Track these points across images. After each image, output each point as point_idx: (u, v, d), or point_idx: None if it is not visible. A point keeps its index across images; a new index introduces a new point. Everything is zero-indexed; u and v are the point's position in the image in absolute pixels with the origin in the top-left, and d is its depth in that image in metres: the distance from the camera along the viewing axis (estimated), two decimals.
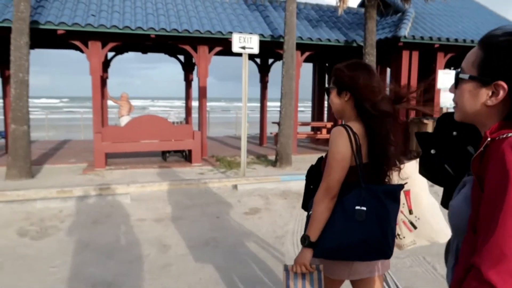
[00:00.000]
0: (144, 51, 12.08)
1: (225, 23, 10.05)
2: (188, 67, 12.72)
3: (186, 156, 9.86)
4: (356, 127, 1.77)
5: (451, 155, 1.23)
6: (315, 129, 12.94)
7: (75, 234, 4.76)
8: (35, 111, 24.73)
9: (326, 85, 2.39)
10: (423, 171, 1.42)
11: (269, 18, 10.75)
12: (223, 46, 10.06)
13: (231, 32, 9.61)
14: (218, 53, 10.29)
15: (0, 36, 8.71)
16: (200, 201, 6.10)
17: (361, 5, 12.87)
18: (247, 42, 7.32)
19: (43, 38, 9.29)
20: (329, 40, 10.32)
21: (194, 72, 12.70)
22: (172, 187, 6.74)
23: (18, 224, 5.08)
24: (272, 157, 10.19)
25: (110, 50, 10.87)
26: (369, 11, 9.57)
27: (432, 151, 1.34)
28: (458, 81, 1.10)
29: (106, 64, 12.09)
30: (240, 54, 12.50)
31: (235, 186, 6.82)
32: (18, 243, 4.49)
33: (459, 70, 1.11)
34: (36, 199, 5.92)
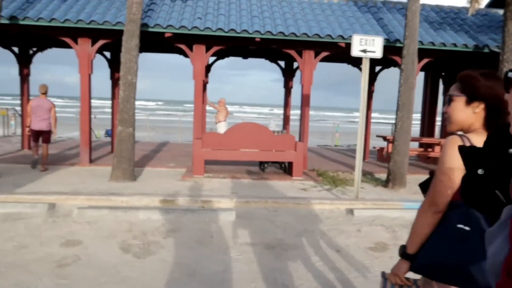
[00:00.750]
0: (245, 56, 11.61)
1: (334, 26, 9.10)
2: (288, 73, 11.97)
3: (285, 168, 9.07)
4: (477, 139, 1.54)
5: (505, 178, 0.91)
6: (424, 146, 11.38)
7: (179, 256, 4.16)
8: (136, 112, 26.05)
9: (450, 92, 1.65)
10: (466, 195, 1.22)
11: (383, 21, 9.56)
12: (331, 51, 9.13)
13: (341, 36, 8.69)
14: (323, 59, 9.39)
15: (112, 40, 8.78)
16: (313, 226, 5.20)
17: (490, 5, 11.04)
18: (369, 45, 6.30)
19: (149, 41, 9.19)
20: (455, 45, 8.82)
21: (295, 79, 11.95)
22: (278, 205, 5.94)
23: (121, 236, 4.65)
24: (379, 175, 8.99)
25: (213, 55, 10.58)
26: (511, 10, 7.92)
27: (480, 171, 1.08)
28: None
29: (207, 68, 11.87)
30: (343, 60, 11.53)
31: (350, 211, 5.80)
32: (121, 260, 4.00)
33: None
34: (139, 207, 5.52)
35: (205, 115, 12.06)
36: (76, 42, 8.78)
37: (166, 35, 8.60)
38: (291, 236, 4.82)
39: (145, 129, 17.87)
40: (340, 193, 7.19)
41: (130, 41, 7.60)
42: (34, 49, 11.33)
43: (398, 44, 8.66)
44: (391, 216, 5.61)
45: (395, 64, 11.61)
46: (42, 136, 8.22)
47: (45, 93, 8.31)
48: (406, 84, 7.83)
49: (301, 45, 9.01)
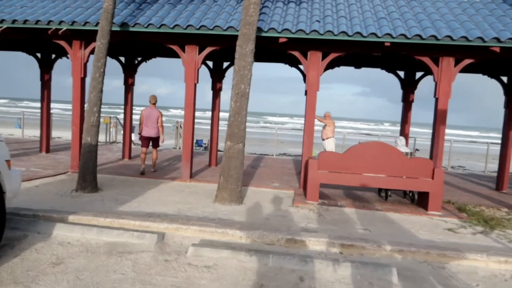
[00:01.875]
0: (358, 65, 10.05)
1: (483, 26, 7.20)
2: (408, 85, 10.13)
3: (413, 198, 7.32)
4: None
5: None
6: None
7: None
8: (223, 123, 25.56)
9: None
10: None
11: None
12: (477, 58, 7.25)
13: (496, 38, 6.78)
14: (462, 69, 7.51)
15: (220, 46, 7.85)
16: None
17: None
18: None
19: (257, 48, 8.07)
20: None
21: (416, 91, 10.11)
22: (445, 259, 4.28)
23: None
24: None
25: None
26: None
27: None
28: None
29: None
30: (479, 70, 9.43)
31: None
32: None
33: None
34: (266, 250, 4.26)
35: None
36: (183, 50, 7.99)
37: (281, 40, 7.42)
38: None
39: None
40: (505, 240, 5.31)
41: (245, 46, 6.53)
42: (139, 58, 10.97)
43: None
44: None
45: None
46: (152, 141, 8.70)
47: (155, 103, 8.70)
48: None
49: (439, 51, 7.27)
